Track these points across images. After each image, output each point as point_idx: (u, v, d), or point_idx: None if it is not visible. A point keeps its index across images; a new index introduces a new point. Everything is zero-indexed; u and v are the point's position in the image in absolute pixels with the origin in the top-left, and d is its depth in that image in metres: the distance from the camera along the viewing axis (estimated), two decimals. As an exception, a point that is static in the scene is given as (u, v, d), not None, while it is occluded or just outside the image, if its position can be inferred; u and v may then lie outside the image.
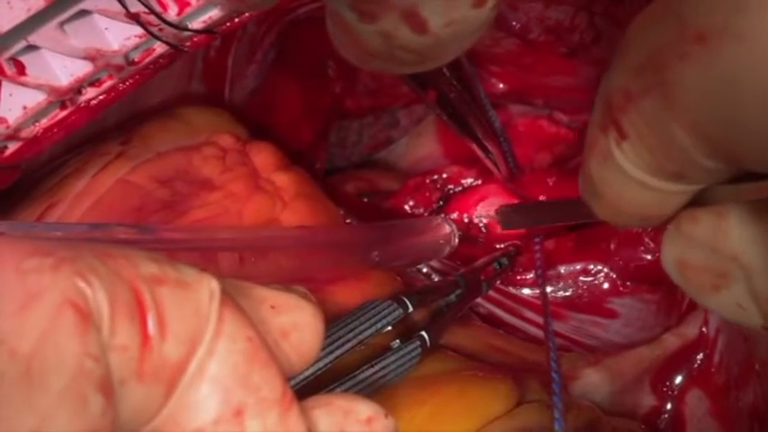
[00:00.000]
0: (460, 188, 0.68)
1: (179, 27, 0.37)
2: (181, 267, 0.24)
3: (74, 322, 0.20)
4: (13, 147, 0.40)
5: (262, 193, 0.52)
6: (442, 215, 0.66)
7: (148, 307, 0.22)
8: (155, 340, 0.22)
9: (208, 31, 0.39)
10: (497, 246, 0.64)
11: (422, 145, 0.73)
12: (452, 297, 0.52)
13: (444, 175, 0.69)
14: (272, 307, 0.27)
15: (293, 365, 0.27)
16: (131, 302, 0.22)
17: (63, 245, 0.22)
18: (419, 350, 0.46)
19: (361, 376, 0.43)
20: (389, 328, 0.45)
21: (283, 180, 0.54)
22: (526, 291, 0.65)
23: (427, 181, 0.69)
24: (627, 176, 0.27)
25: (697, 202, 0.28)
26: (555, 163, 0.69)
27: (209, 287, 0.24)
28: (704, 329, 0.58)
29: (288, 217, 0.52)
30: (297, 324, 0.27)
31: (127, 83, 0.41)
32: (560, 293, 0.65)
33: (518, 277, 0.65)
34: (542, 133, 0.70)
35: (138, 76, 0.41)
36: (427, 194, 0.68)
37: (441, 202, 0.68)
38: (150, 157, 0.49)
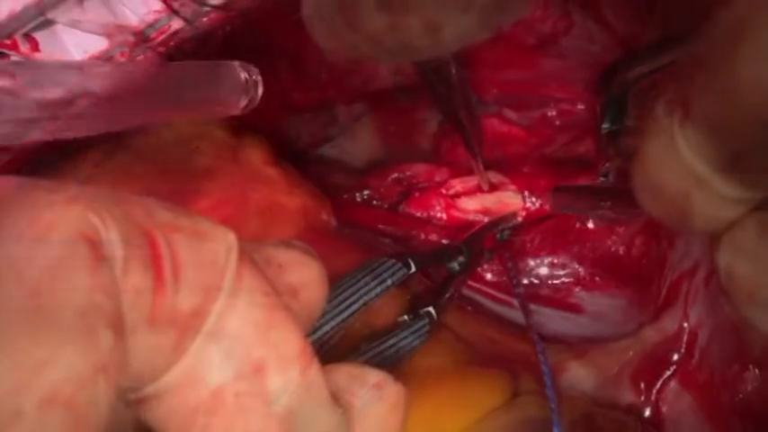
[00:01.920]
0: (424, 185, 0.68)
1: (199, 1, 0.37)
2: (197, 218, 0.23)
3: (86, 254, 0.20)
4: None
5: (261, 182, 0.52)
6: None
7: (163, 253, 0.21)
8: (168, 286, 0.21)
9: (224, 7, 0.39)
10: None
11: (360, 142, 0.73)
12: (455, 265, 0.52)
13: (408, 174, 0.68)
14: (279, 266, 0.27)
15: (304, 324, 0.27)
16: (145, 246, 0.21)
17: (77, 186, 0.21)
18: (428, 327, 0.46)
19: (371, 353, 0.44)
20: (390, 283, 0.44)
21: (276, 173, 0.53)
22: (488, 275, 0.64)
23: (389, 179, 0.68)
24: (687, 169, 0.27)
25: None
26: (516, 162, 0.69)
27: (226, 240, 0.23)
28: (685, 324, 0.57)
29: (290, 202, 0.52)
30: (304, 282, 0.27)
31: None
32: (527, 287, 0.64)
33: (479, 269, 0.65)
34: (494, 133, 0.70)
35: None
36: (383, 190, 0.68)
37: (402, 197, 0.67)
38: (146, 149, 0.48)
